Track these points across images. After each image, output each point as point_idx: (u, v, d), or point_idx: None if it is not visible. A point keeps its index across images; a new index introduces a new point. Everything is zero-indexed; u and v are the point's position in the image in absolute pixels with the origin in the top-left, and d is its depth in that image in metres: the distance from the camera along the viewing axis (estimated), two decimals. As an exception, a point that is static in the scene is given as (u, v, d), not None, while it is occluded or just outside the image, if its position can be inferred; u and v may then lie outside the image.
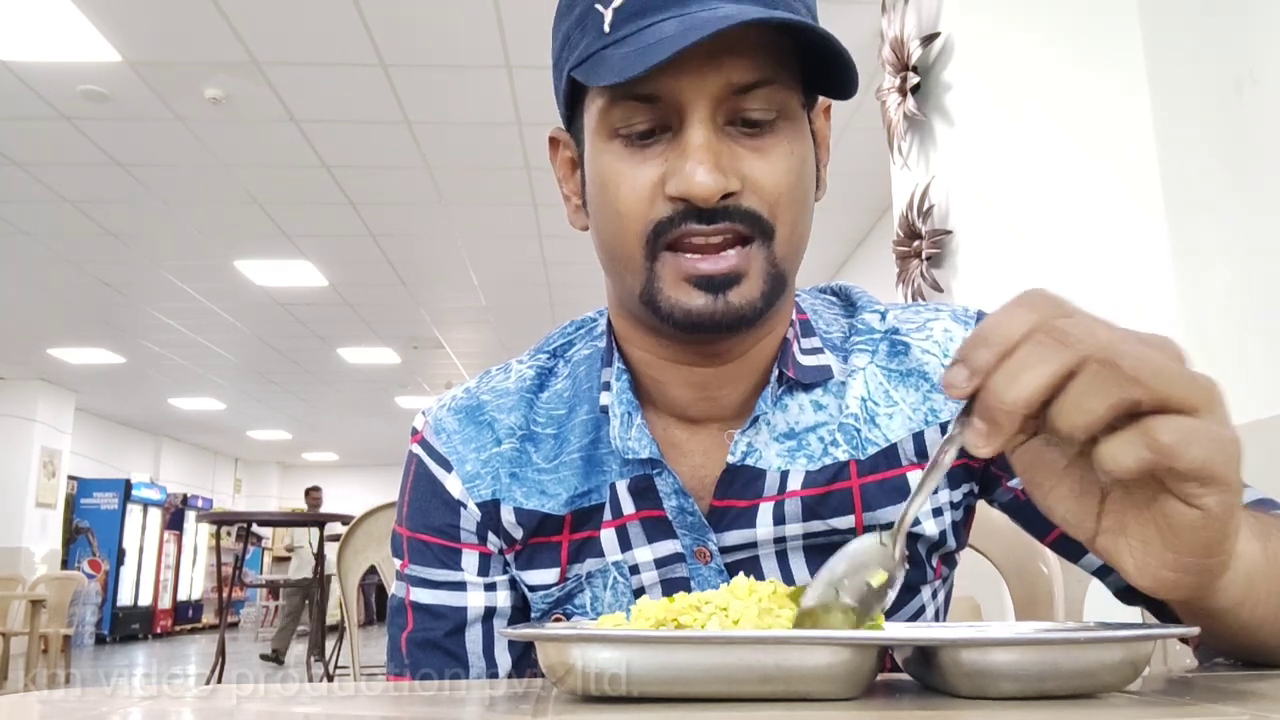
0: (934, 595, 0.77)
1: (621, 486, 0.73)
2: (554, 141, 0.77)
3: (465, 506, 0.76)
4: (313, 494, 9.37)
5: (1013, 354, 0.44)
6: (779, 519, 0.71)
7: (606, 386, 0.74)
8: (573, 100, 0.71)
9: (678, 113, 0.63)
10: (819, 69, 0.66)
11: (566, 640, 0.46)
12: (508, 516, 0.75)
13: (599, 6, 0.64)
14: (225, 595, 5.42)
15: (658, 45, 0.59)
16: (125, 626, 11.78)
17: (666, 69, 0.61)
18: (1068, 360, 0.43)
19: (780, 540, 0.72)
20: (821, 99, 0.72)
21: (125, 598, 11.88)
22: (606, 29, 0.63)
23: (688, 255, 0.64)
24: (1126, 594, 0.72)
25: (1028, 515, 0.75)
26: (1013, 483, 0.74)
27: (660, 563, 0.73)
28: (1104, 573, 0.73)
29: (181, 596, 13.58)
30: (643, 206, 0.65)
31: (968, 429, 0.45)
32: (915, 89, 2.63)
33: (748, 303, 0.65)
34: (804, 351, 0.74)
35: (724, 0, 0.62)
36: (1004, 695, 0.44)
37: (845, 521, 0.71)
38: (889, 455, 0.72)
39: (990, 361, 0.44)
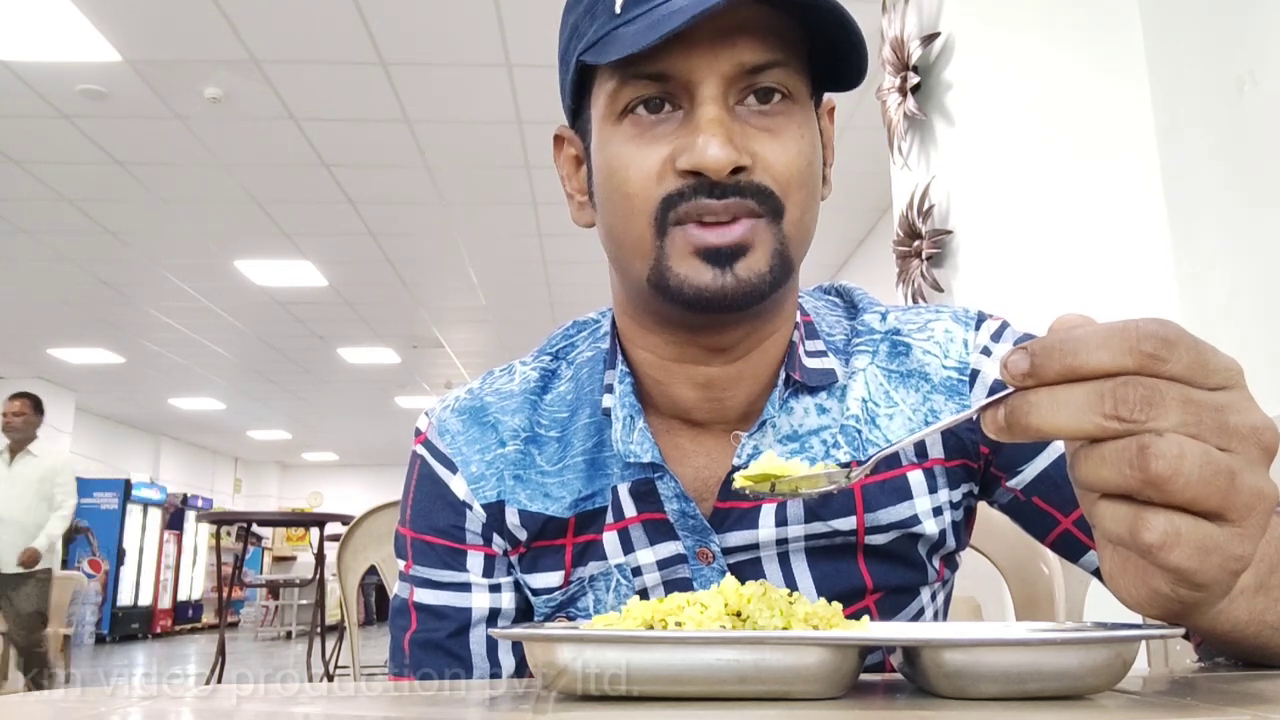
0: (934, 597, 0.77)
1: (623, 489, 0.73)
2: (558, 140, 0.77)
3: (470, 508, 0.76)
4: (10, 405, 5.09)
5: (1073, 384, 0.41)
6: (781, 520, 0.71)
7: (609, 389, 0.74)
8: (579, 93, 0.70)
9: (688, 91, 0.63)
10: (826, 61, 0.66)
11: (552, 640, 0.46)
12: (512, 518, 0.75)
13: None
14: (225, 595, 5.42)
15: (671, 16, 0.59)
16: (125, 626, 11.77)
17: (678, 47, 0.61)
18: (1110, 429, 0.41)
19: (782, 542, 0.72)
20: (826, 100, 0.72)
21: (125, 597, 11.87)
22: (618, 10, 0.63)
23: (695, 229, 0.64)
24: None
25: (1028, 515, 0.75)
26: (1012, 483, 0.74)
27: (663, 564, 0.73)
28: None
29: (181, 596, 13.57)
30: (652, 185, 0.64)
31: (989, 413, 0.44)
32: (915, 89, 2.63)
33: (755, 275, 0.64)
34: (809, 354, 0.74)
35: None
36: (985, 696, 0.44)
37: (847, 523, 0.71)
38: (889, 456, 0.72)
39: (1052, 375, 0.42)
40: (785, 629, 0.50)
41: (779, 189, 0.64)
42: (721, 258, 0.64)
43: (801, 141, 0.66)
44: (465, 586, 0.76)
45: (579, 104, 0.71)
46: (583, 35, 0.66)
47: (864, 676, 0.52)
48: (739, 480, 0.54)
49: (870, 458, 0.53)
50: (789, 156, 0.65)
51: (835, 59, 0.66)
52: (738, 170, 0.63)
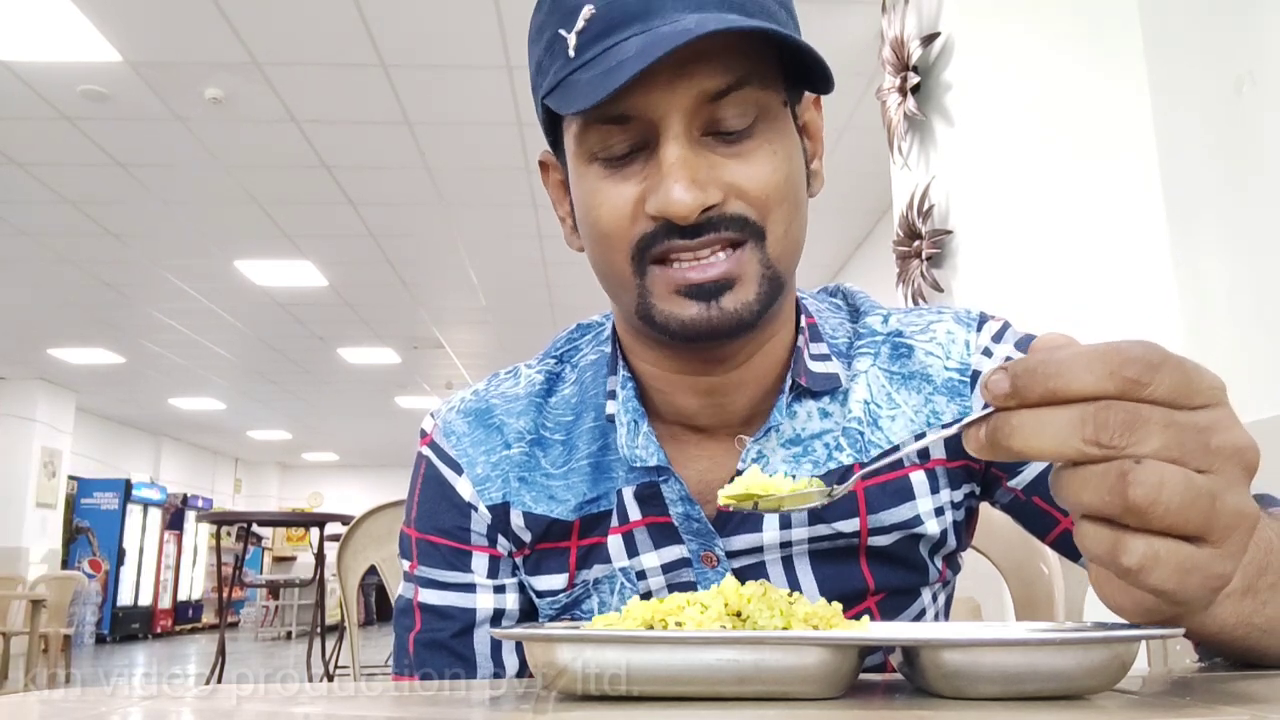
0: (934, 598, 0.77)
1: (628, 493, 0.73)
2: (544, 166, 0.77)
3: (476, 509, 0.76)
4: None
5: (1056, 407, 0.41)
6: (785, 523, 0.71)
7: (612, 395, 0.75)
8: (553, 124, 0.70)
9: (652, 129, 0.63)
10: (799, 63, 0.65)
11: (552, 640, 0.46)
12: (516, 520, 0.75)
13: (563, 32, 0.64)
14: (225, 595, 5.42)
15: (619, 67, 0.59)
16: (125, 626, 11.77)
17: (635, 87, 0.60)
18: (1090, 454, 0.41)
19: (786, 545, 0.72)
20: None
21: (125, 598, 11.88)
22: (571, 53, 0.63)
23: (675, 266, 0.64)
24: None
25: (1029, 515, 0.75)
26: (1012, 483, 0.74)
27: (667, 568, 0.73)
28: None
29: (181, 596, 13.57)
30: (625, 226, 0.64)
31: (971, 431, 0.44)
32: (915, 89, 2.63)
33: (743, 306, 0.64)
34: (814, 358, 0.74)
35: (687, 11, 0.61)
36: (984, 696, 0.44)
37: (850, 525, 0.71)
38: (887, 458, 0.73)
39: (1034, 397, 0.42)
40: (785, 629, 0.50)
41: (757, 213, 0.64)
42: (705, 293, 0.63)
43: (776, 158, 0.65)
44: (470, 587, 0.76)
45: (555, 135, 0.72)
46: (545, 72, 0.66)
47: (864, 676, 0.52)
48: (722, 498, 0.53)
49: (853, 476, 0.54)
50: (764, 178, 0.64)
51: (803, 65, 0.65)
52: (709, 208, 0.62)
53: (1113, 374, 0.41)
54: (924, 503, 0.72)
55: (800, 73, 0.66)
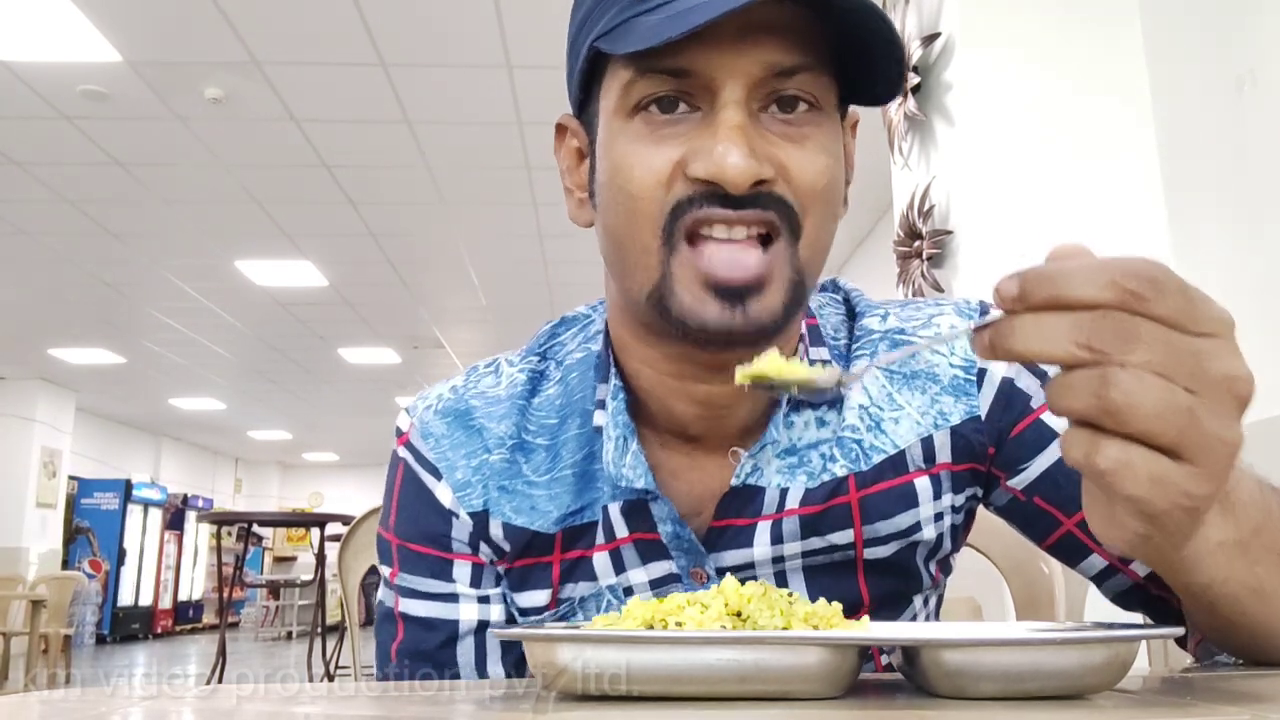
0: (925, 602, 0.76)
1: (614, 509, 0.70)
2: (561, 129, 0.72)
3: (457, 516, 0.73)
4: None
5: (1056, 313, 0.42)
6: (776, 538, 0.69)
7: (601, 404, 0.71)
8: (588, 83, 0.66)
9: (709, 91, 0.59)
10: (857, 72, 0.62)
11: (552, 640, 0.46)
12: (496, 530, 0.72)
13: None
14: (226, 595, 5.42)
15: (698, 9, 0.54)
16: (125, 626, 11.78)
17: (702, 42, 0.57)
18: (1080, 357, 0.42)
19: (779, 560, 0.70)
20: (850, 113, 0.69)
21: (125, 598, 11.88)
22: None
23: (706, 252, 0.60)
24: (1124, 598, 0.72)
25: (1028, 516, 0.73)
26: (1012, 482, 0.72)
27: (655, 584, 0.71)
28: (1101, 578, 0.72)
29: (182, 596, 13.58)
30: (659, 189, 0.60)
31: (978, 336, 0.45)
32: (915, 89, 2.63)
33: (768, 313, 0.60)
34: (814, 364, 0.73)
35: None
36: (984, 695, 0.44)
37: (844, 537, 0.69)
38: (895, 462, 0.70)
39: (1038, 301, 0.42)
40: (785, 629, 0.50)
41: (799, 204, 0.60)
42: (733, 294, 0.59)
43: (826, 154, 0.61)
44: (453, 597, 0.73)
45: (587, 94, 0.67)
46: (596, 21, 0.62)
47: (864, 676, 0.52)
48: (740, 377, 0.51)
49: (869, 364, 0.53)
50: (815, 169, 0.60)
51: (867, 69, 0.62)
52: (759, 183, 0.58)
53: (1113, 284, 0.42)
54: (926, 509, 0.71)
55: (853, 85, 0.64)
